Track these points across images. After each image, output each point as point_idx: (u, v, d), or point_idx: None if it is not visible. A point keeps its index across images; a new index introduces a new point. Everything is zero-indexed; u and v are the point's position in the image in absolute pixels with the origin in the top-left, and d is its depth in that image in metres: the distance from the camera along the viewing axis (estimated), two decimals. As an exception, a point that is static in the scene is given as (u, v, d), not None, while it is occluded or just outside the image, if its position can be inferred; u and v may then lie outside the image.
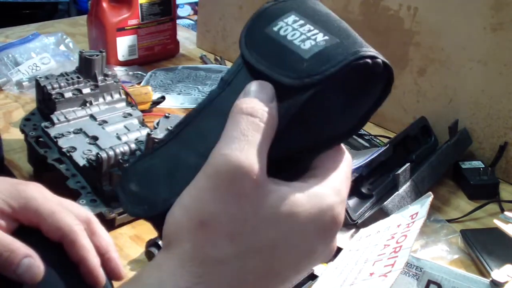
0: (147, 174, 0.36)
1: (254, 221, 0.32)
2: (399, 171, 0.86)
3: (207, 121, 0.34)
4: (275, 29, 0.35)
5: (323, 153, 0.37)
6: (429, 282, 0.67)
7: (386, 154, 0.92)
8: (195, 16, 1.84)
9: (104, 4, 1.29)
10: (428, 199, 0.68)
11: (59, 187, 0.87)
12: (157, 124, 0.87)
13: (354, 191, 0.88)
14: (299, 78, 0.33)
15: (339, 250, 0.73)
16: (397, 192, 0.85)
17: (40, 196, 0.51)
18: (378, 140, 1.10)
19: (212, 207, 0.32)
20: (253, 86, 0.34)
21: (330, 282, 0.64)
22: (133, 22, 1.35)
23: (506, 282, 0.67)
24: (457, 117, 1.03)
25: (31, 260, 0.46)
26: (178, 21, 1.53)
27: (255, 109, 0.33)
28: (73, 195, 0.80)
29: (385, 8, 1.13)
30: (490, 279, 0.67)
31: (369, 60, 0.34)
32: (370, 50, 0.34)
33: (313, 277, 0.70)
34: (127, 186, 0.36)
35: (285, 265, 0.34)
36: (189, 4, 1.95)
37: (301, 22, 0.36)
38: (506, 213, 0.82)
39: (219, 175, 0.32)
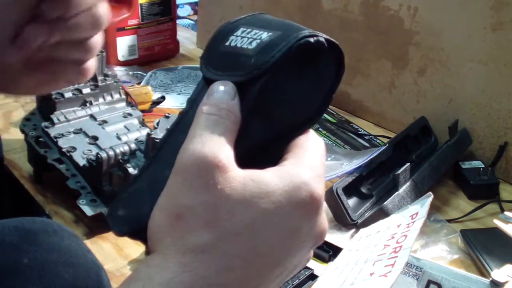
0: (132, 198, 0.38)
1: (227, 206, 0.33)
2: (399, 171, 0.86)
3: (178, 138, 0.36)
4: (227, 44, 0.38)
5: (293, 140, 0.38)
6: (429, 282, 0.67)
7: (386, 154, 0.92)
8: (195, 16, 1.84)
9: (104, 4, 1.29)
10: (428, 199, 0.68)
11: (59, 187, 0.87)
12: (157, 124, 0.87)
13: (354, 191, 0.88)
14: (250, 73, 0.36)
15: (339, 250, 0.73)
16: (397, 192, 0.85)
17: None
18: (378, 140, 1.10)
19: (184, 200, 0.33)
20: (214, 86, 0.36)
21: (330, 282, 0.64)
22: (133, 22, 1.35)
23: (506, 282, 0.67)
24: (457, 117, 1.03)
25: None
26: (178, 21, 1.53)
27: (214, 108, 0.35)
28: (73, 195, 0.80)
29: (385, 8, 1.13)
30: (490, 279, 0.67)
31: (310, 39, 0.35)
32: (312, 31, 0.36)
33: (313, 277, 0.70)
34: (116, 213, 0.38)
35: (270, 246, 0.34)
36: (189, 4, 1.95)
37: (248, 30, 0.38)
38: (506, 213, 0.82)
39: (186, 168, 0.34)
